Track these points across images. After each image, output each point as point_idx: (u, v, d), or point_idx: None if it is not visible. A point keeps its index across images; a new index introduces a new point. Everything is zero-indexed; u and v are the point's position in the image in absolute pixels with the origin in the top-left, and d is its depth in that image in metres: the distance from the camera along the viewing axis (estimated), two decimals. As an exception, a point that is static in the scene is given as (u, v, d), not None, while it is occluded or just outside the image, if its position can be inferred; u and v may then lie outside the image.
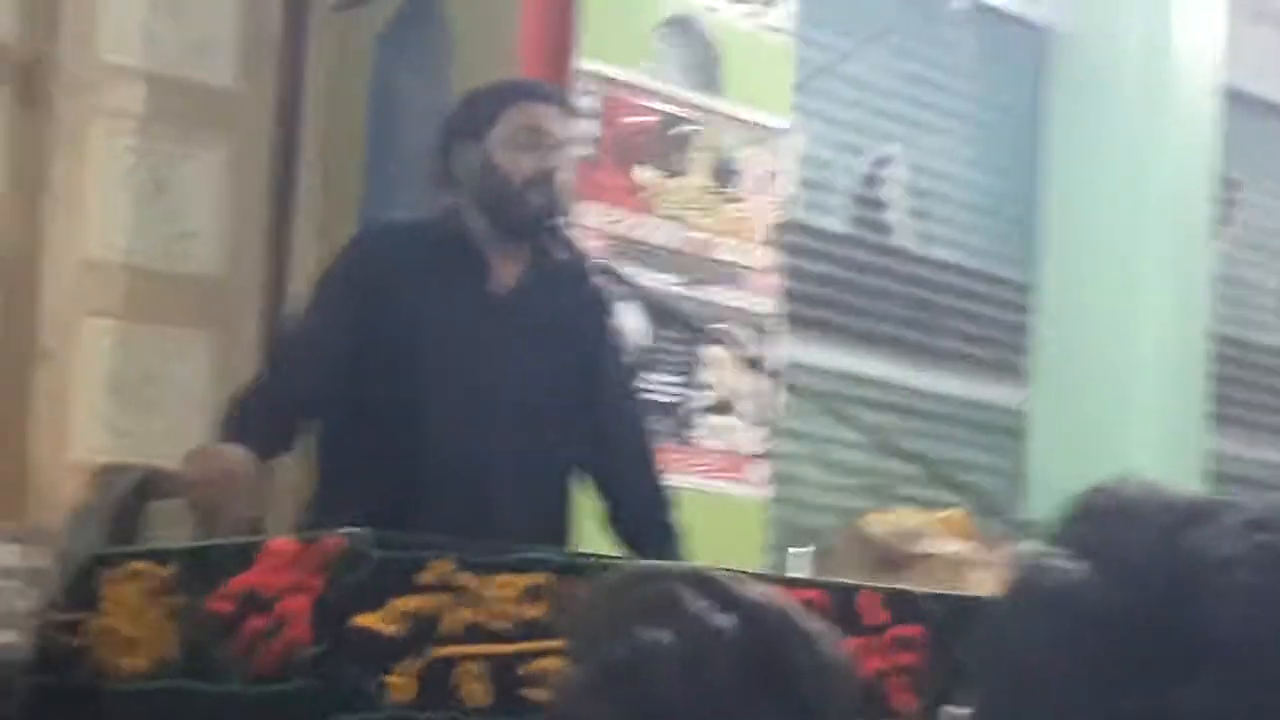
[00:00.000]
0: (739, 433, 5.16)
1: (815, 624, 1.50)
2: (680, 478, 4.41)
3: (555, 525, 3.33)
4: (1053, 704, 0.87)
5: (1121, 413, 6.11)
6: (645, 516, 3.44)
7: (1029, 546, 0.97)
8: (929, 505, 5.33)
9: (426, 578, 2.56)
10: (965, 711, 0.95)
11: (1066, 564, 0.91)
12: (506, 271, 3.34)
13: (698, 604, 1.45)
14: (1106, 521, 0.93)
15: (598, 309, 3.47)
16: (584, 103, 4.86)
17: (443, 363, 3.26)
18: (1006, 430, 6.33)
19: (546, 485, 3.35)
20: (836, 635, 1.52)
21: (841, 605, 2.75)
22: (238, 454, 3.07)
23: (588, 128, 4.84)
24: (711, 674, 1.43)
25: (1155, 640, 0.87)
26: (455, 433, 3.24)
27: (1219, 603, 0.87)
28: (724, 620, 1.44)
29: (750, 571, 3.62)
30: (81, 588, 2.97)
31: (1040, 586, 0.91)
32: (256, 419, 3.19)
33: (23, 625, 4.19)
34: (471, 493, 3.23)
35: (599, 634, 1.48)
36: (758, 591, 1.50)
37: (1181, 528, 0.90)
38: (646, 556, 3.26)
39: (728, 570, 1.59)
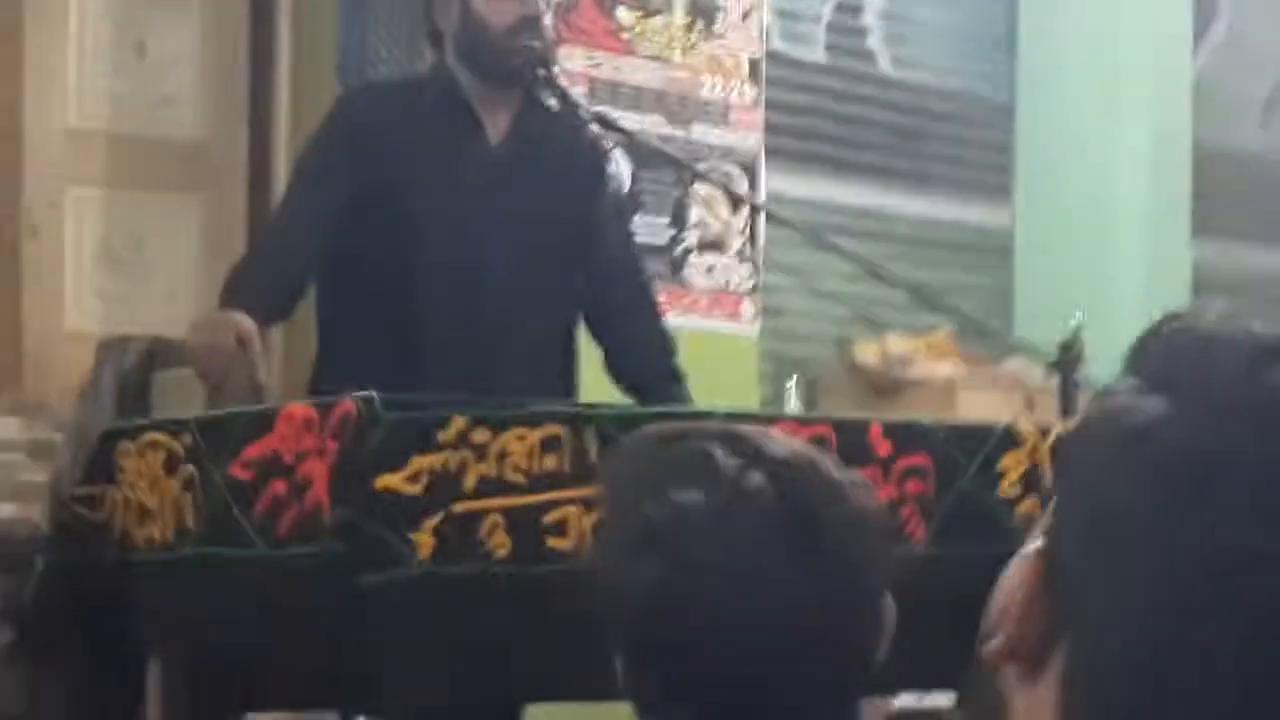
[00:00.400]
0: (729, 270, 5.19)
1: (844, 475, 1.53)
2: (674, 317, 4.44)
3: (560, 375, 3.36)
4: (1134, 545, 0.87)
5: (1105, 227, 6.14)
6: (647, 360, 3.47)
7: (1100, 389, 0.96)
8: (917, 330, 5.38)
9: (443, 436, 2.60)
10: (1036, 544, 0.95)
11: (1145, 400, 0.88)
12: (497, 123, 3.33)
13: (729, 462, 1.49)
14: (1186, 355, 0.90)
15: (590, 155, 3.47)
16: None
17: (438, 220, 3.26)
18: (992, 251, 6.36)
19: (549, 335, 3.37)
20: (866, 484, 1.55)
21: (850, 439, 2.79)
22: (242, 321, 3.08)
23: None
24: (746, 533, 1.46)
25: (1240, 481, 0.85)
26: (455, 289, 3.26)
27: None
28: (756, 478, 1.48)
29: (762, 414, 3.67)
30: (97, 461, 3.00)
31: (1119, 423, 0.90)
32: (257, 286, 3.20)
33: (25, 497, 4.24)
34: (474, 348, 3.25)
35: (634, 495, 1.51)
36: (786, 446, 1.53)
37: (1266, 363, 0.87)
38: (651, 400, 3.29)
39: (755, 422, 1.62)
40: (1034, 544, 0.97)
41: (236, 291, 3.21)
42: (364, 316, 3.31)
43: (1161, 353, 0.92)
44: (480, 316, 3.27)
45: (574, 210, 3.37)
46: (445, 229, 3.27)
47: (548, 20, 3.39)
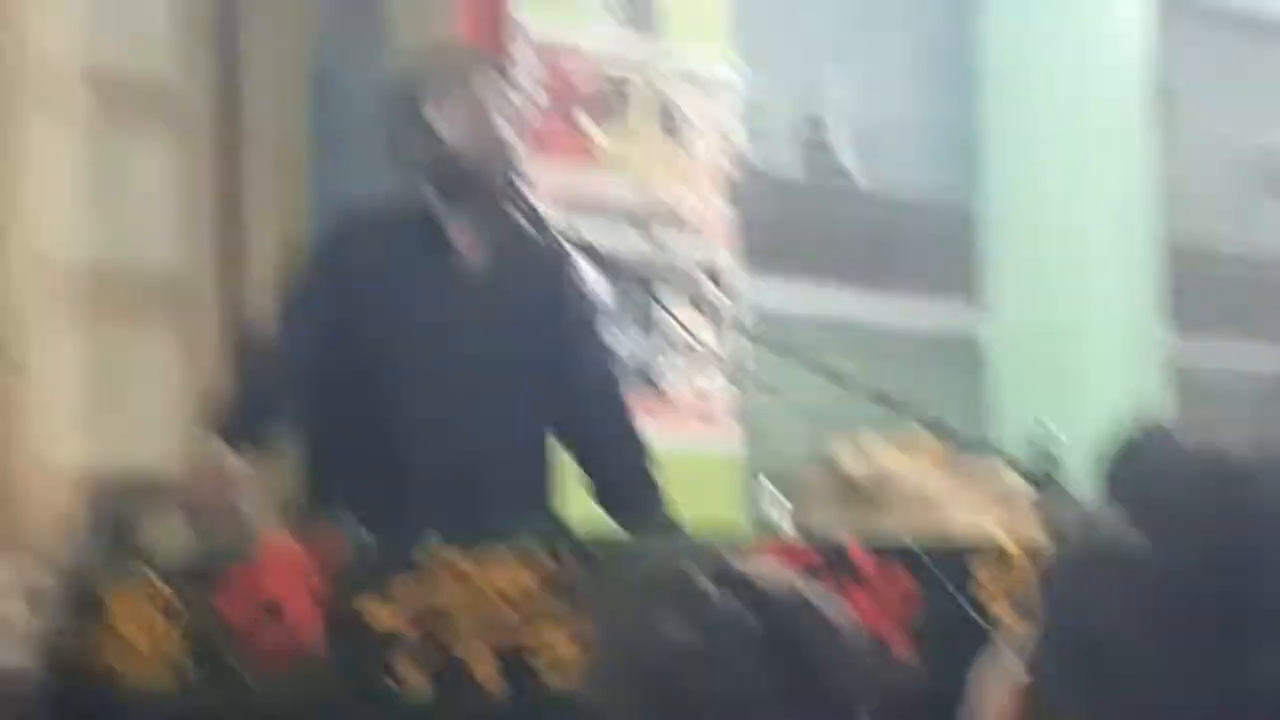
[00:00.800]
0: (704, 380, 5.22)
1: (830, 604, 1.55)
2: (650, 429, 4.47)
3: (540, 496, 3.37)
4: (1114, 665, 0.89)
5: (1078, 329, 6.20)
6: (627, 476, 3.48)
7: (1076, 498, 0.98)
8: (895, 436, 5.40)
9: (424, 563, 2.62)
10: (1017, 661, 0.97)
11: (1123, 528, 0.91)
12: (468, 243, 3.37)
13: (714, 590, 1.51)
14: (1159, 479, 0.93)
15: (560, 272, 3.49)
16: (527, 59, 4.88)
17: (414, 341, 3.30)
18: (967, 356, 6.41)
19: (528, 456, 3.38)
20: (851, 614, 1.57)
21: (829, 557, 2.82)
22: (224, 454, 3.11)
23: (529, 84, 4.87)
24: (735, 666, 1.48)
25: (1224, 603, 0.87)
26: (433, 411, 3.28)
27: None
28: (742, 609, 1.50)
29: (738, 535, 3.69)
30: (86, 599, 3.01)
31: (1099, 554, 0.92)
32: (239, 416, 3.23)
33: (13, 636, 4.23)
34: (454, 468, 3.27)
35: (624, 628, 1.53)
36: (767, 570, 1.56)
37: (1237, 485, 0.90)
38: (630, 517, 3.31)
39: (731, 542, 1.64)
40: (1008, 661, 0.99)
41: (218, 422, 3.23)
42: (345, 443, 3.34)
43: (1135, 476, 0.93)
44: (456, 436, 3.30)
45: (543, 324, 3.39)
46: (420, 349, 3.30)
47: (513, 135, 3.42)
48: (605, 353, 3.64)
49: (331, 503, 3.18)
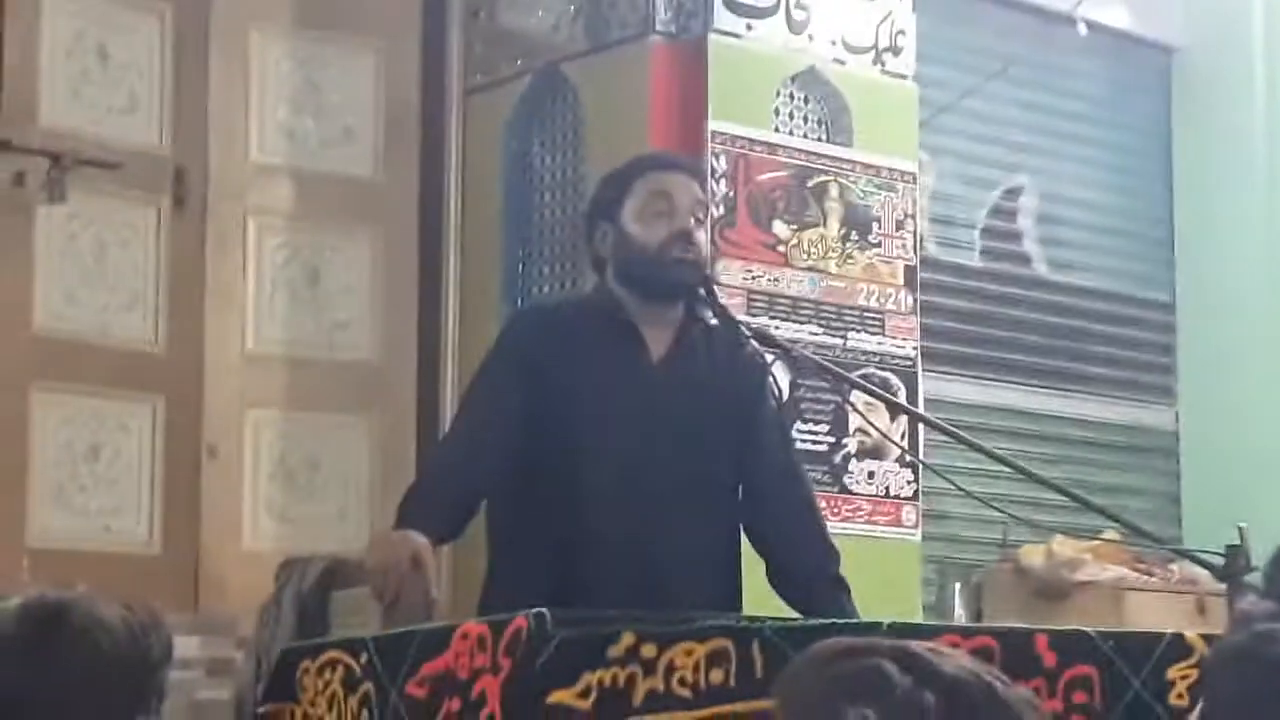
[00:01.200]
0: (889, 475, 5.22)
1: (1015, 695, 1.55)
2: (836, 523, 4.48)
3: (726, 590, 3.38)
4: None
5: (1275, 426, 6.08)
6: (810, 571, 3.49)
7: (1245, 603, 0.99)
8: (1080, 533, 5.34)
9: (612, 651, 2.64)
10: None
11: (1269, 615, 0.93)
12: (658, 341, 3.41)
13: (903, 681, 1.51)
14: None
15: (749, 370, 3.52)
16: (718, 163, 4.96)
17: (604, 437, 3.33)
18: (1159, 452, 6.32)
19: (714, 551, 3.40)
20: (1036, 704, 1.56)
21: (1015, 649, 2.79)
22: (417, 540, 3.17)
23: (721, 188, 4.94)
24: (916, 746, 1.48)
25: None
26: (622, 506, 3.31)
27: None
28: (928, 697, 1.50)
29: (927, 625, 3.67)
30: (278, 678, 3.08)
31: (1260, 654, 0.93)
32: (431, 504, 3.29)
33: (202, 715, 4.34)
34: (641, 564, 3.30)
35: (809, 710, 1.54)
36: (958, 664, 1.56)
37: None
38: (815, 612, 3.31)
39: (920, 633, 1.64)
40: None
41: (411, 510, 3.30)
42: (533, 533, 3.38)
43: None
44: (644, 532, 3.33)
45: (735, 425, 3.43)
46: (610, 445, 3.34)
47: (703, 236, 3.47)
48: (792, 451, 3.66)
49: (519, 589, 3.25)
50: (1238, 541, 3.44)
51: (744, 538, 3.51)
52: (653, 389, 3.37)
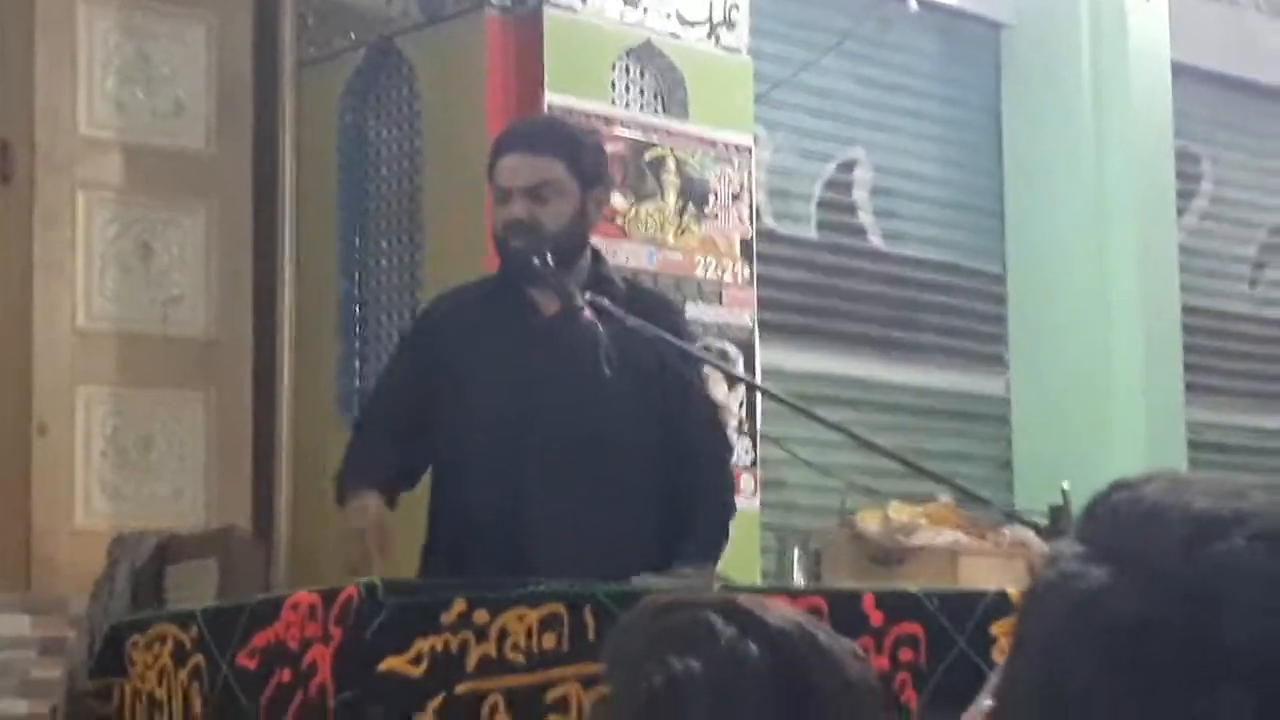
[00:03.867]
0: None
1: (839, 644, 1.57)
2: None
3: (606, 555, 3.35)
4: (1077, 710, 0.91)
5: (1101, 392, 6.22)
6: (703, 512, 3.50)
7: (1055, 546, 1.00)
8: (916, 499, 5.43)
9: (445, 618, 2.65)
10: (987, 706, 0.99)
11: (1090, 569, 0.94)
12: (550, 303, 3.44)
13: (727, 631, 1.53)
14: (1129, 525, 0.95)
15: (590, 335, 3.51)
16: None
17: (481, 396, 3.39)
18: (990, 419, 6.44)
19: (593, 514, 3.39)
20: (861, 654, 1.59)
21: (843, 609, 2.84)
22: (377, 503, 3.26)
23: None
24: (743, 701, 1.50)
25: (1179, 651, 0.90)
26: (490, 467, 3.35)
27: (1241, 617, 0.90)
28: (753, 648, 1.52)
29: (755, 586, 3.71)
30: (108, 654, 3.06)
31: (1065, 592, 0.95)
32: (368, 467, 3.38)
33: (35, 693, 4.28)
34: (505, 528, 3.33)
35: (634, 664, 1.55)
36: (782, 615, 1.58)
37: (1202, 538, 0.93)
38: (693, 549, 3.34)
39: (751, 593, 1.67)
40: (984, 702, 1.01)
41: (354, 471, 3.41)
42: (436, 502, 3.44)
43: (1108, 521, 0.97)
44: (508, 494, 3.36)
45: (639, 386, 3.40)
46: (484, 404, 3.37)
47: (555, 208, 3.45)
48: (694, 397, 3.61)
49: (440, 554, 3.37)
50: (1061, 502, 3.52)
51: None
52: (534, 346, 3.39)
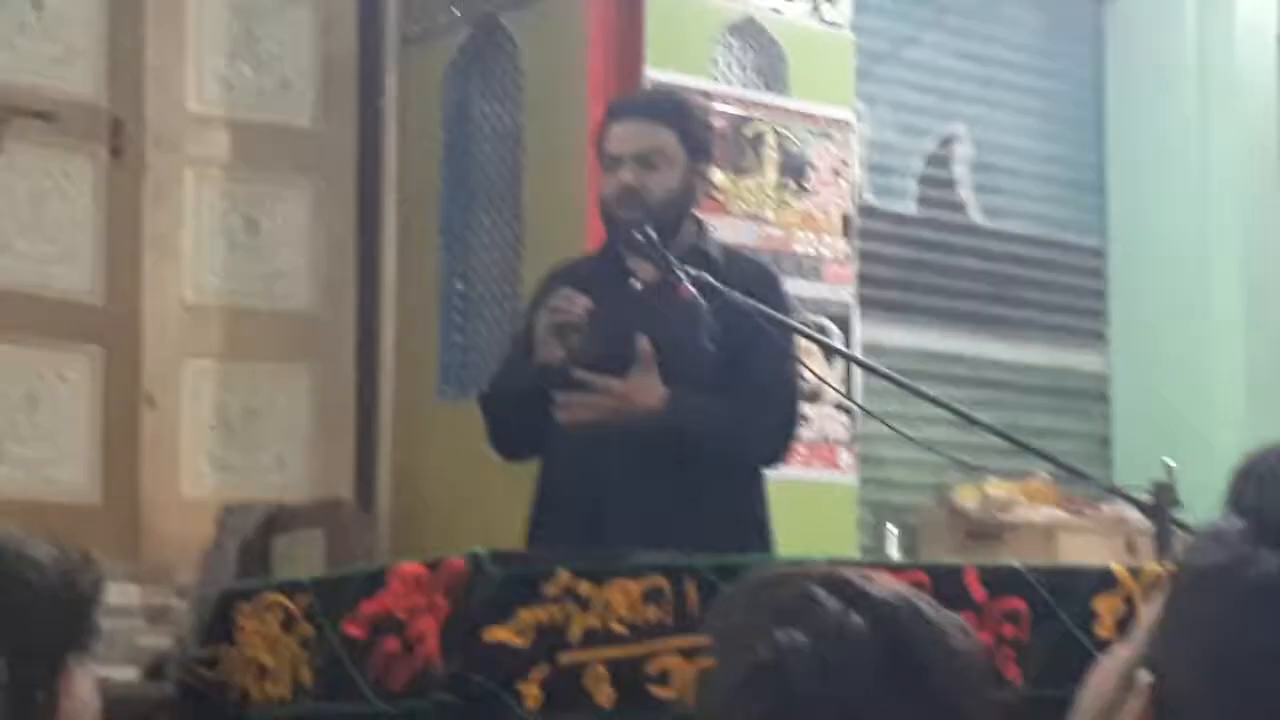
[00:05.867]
0: (826, 420, 5.27)
1: (944, 617, 1.57)
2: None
3: (683, 526, 3.35)
4: (1255, 697, 0.90)
5: (1202, 369, 6.17)
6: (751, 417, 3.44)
7: (1216, 522, 0.97)
8: (1014, 476, 5.42)
9: (548, 589, 2.68)
10: (1148, 681, 0.98)
11: (1263, 553, 0.92)
12: (648, 272, 3.45)
13: (831, 603, 1.54)
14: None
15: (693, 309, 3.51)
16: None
17: (585, 366, 3.36)
18: (1090, 396, 6.41)
19: (674, 485, 3.39)
20: (965, 626, 1.59)
21: (946, 583, 2.85)
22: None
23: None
24: (848, 674, 1.51)
25: None
26: (589, 439, 3.35)
27: None
28: (857, 620, 1.53)
29: (858, 561, 3.72)
30: (217, 622, 3.11)
31: (1239, 576, 0.93)
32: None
33: (144, 661, 4.36)
34: (585, 503, 3.35)
35: (739, 636, 1.57)
36: (887, 588, 1.58)
37: None
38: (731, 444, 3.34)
39: (857, 566, 1.68)
40: (1124, 651, 0.99)
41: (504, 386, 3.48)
42: (545, 465, 3.48)
43: (1268, 496, 0.94)
44: (590, 469, 3.38)
45: (688, 352, 3.39)
46: (594, 365, 3.35)
47: (661, 177, 3.46)
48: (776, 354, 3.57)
49: (540, 521, 3.41)
50: (1164, 479, 3.50)
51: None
52: (626, 315, 3.39)
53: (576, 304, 3.31)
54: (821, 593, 1.56)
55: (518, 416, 3.45)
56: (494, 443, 3.54)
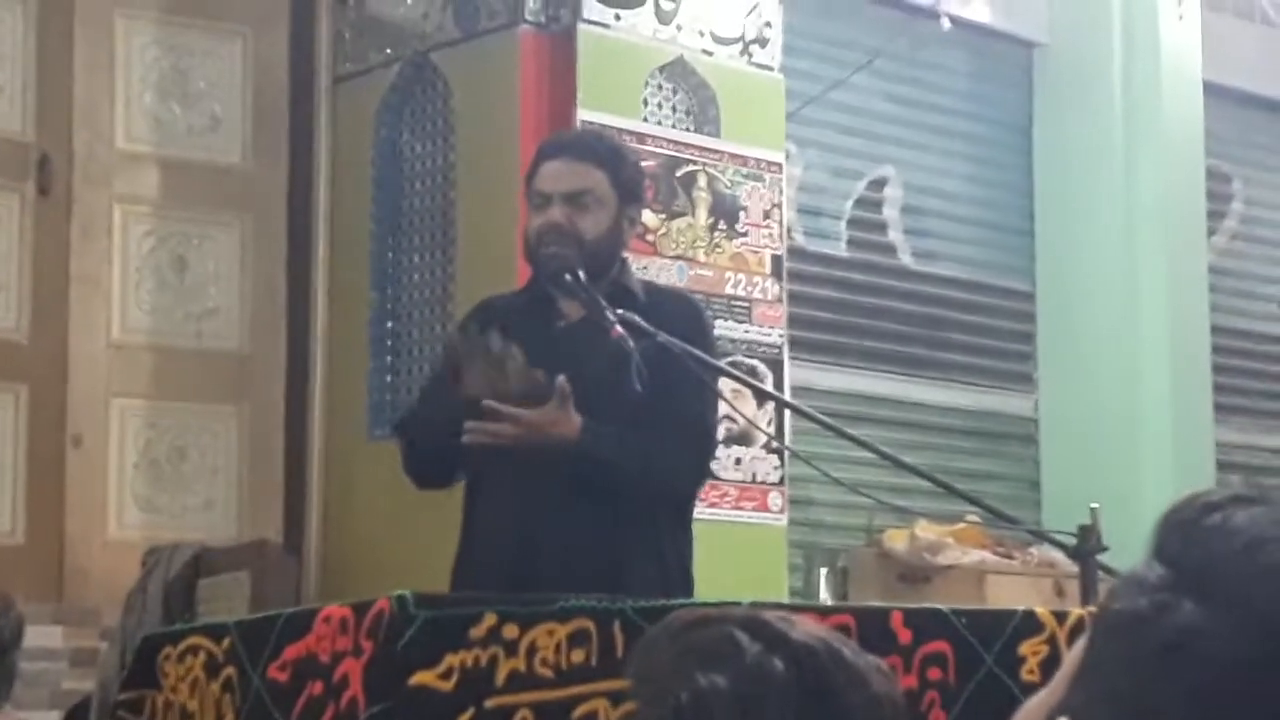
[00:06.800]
0: (756, 462, 5.28)
1: (864, 660, 1.58)
2: (703, 509, 4.52)
3: (607, 568, 3.35)
4: None
5: (1129, 413, 6.22)
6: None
7: (1136, 569, 0.94)
8: (944, 519, 5.44)
9: (474, 632, 2.67)
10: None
11: (1183, 602, 0.90)
12: (574, 310, 3.45)
13: (753, 647, 1.54)
14: (1225, 559, 0.91)
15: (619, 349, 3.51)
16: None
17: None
18: (1018, 438, 6.44)
19: (600, 525, 3.38)
20: (885, 670, 1.60)
21: (871, 626, 2.85)
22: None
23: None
24: (767, 717, 1.51)
25: (1267, 683, 0.86)
26: (502, 478, 3.35)
27: None
28: (777, 663, 1.53)
29: (783, 604, 3.72)
30: (141, 666, 3.08)
31: (1157, 626, 0.91)
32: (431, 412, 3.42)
33: (68, 705, 4.31)
34: (515, 542, 3.34)
35: (661, 678, 1.57)
36: (807, 631, 1.59)
37: None
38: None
39: (778, 609, 1.68)
40: (1046, 697, 0.99)
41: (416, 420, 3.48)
42: (471, 506, 3.46)
43: (1197, 547, 0.93)
44: (519, 505, 3.37)
45: (613, 390, 3.38)
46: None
47: (593, 218, 3.46)
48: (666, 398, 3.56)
49: (462, 564, 3.38)
50: (1090, 522, 3.53)
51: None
52: (551, 352, 3.38)
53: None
54: (743, 636, 1.56)
55: (431, 442, 3.43)
56: (406, 468, 3.53)
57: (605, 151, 3.55)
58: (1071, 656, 1.04)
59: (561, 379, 3.26)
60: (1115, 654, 0.94)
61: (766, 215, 5.39)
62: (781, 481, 5.32)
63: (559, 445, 3.27)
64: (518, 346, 3.30)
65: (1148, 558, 0.96)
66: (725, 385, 4.46)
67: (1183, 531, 0.95)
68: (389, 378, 5.32)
